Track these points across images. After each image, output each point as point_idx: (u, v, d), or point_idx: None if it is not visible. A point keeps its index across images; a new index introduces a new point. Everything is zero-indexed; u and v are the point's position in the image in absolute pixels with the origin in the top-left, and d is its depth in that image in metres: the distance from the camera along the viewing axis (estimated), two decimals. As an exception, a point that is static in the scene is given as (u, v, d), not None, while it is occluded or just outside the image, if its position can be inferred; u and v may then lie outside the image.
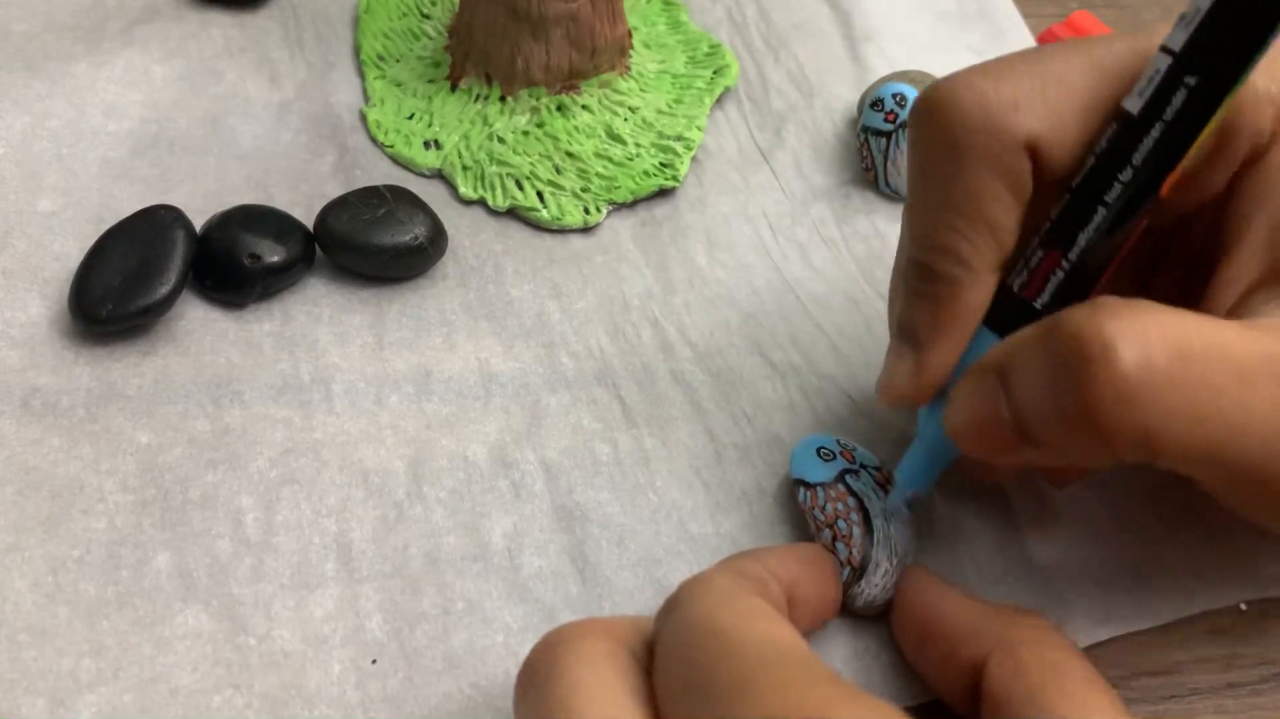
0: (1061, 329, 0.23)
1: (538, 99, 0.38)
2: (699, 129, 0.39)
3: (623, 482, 0.31)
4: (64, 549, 0.29)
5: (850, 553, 0.28)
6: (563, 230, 0.37)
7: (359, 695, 0.27)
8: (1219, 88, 0.24)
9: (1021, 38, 0.44)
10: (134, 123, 0.38)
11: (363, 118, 0.39)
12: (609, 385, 0.33)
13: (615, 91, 0.39)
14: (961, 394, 0.25)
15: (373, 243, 0.34)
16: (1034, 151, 0.25)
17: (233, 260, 0.33)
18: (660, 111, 0.39)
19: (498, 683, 0.28)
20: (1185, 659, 0.29)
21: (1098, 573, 0.30)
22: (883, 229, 0.38)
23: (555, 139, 0.38)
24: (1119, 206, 0.25)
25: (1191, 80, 0.24)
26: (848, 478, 0.30)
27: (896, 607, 0.28)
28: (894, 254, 0.31)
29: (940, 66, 0.41)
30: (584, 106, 0.38)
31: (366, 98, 0.40)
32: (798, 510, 0.31)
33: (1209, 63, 0.24)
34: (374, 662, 0.28)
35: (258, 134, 0.38)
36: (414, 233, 0.34)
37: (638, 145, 0.38)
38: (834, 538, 0.29)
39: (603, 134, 0.38)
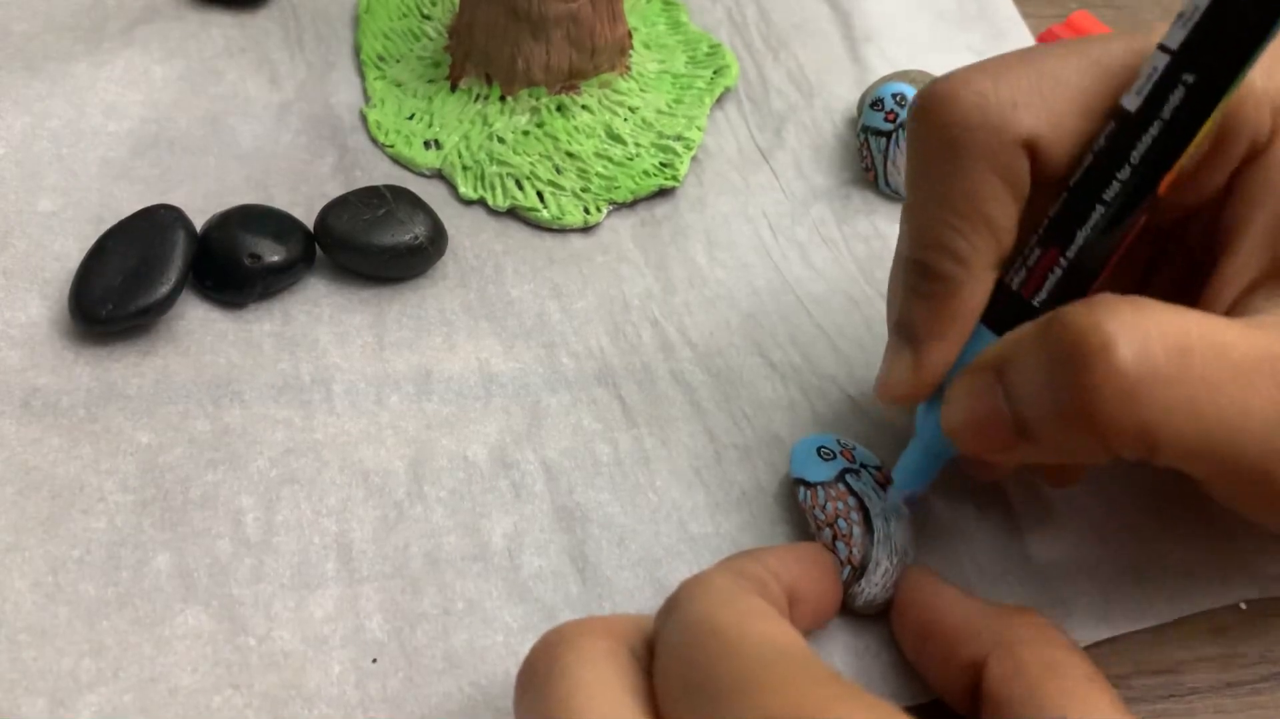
0: (1060, 325, 0.23)
1: (538, 99, 0.38)
2: (699, 129, 0.39)
3: (623, 482, 0.31)
4: (64, 549, 0.29)
5: (850, 552, 0.28)
6: (563, 230, 0.37)
7: (359, 695, 0.27)
8: (1217, 86, 0.24)
9: (1021, 38, 0.44)
10: (134, 123, 0.38)
11: (363, 118, 0.39)
12: (609, 385, 0.33)
13: (615, 91, 0.39)
14: (959, 392, 0.25)
15: (373, 243, 0.34)
16: (1032, 150, 0.25)
17: (233, 260, 0.33)
18: (660, 111, 0.39)
19: (498, 683, 0.28)
20: (1185, 659, 0.29)
21: (1098, 573, 0.30)
22: (883, 229, 0.38)
23: (555, 139, 0.38)
24: (1117, 204, 0.25)
25: (1189, 78, 0.24)
26: (848, 477, 0.30)
27: (896, 606, 0.28)
28: (894, 254, 0.31)
29: (940, 66, 0.40)
30: (584, 106, 0.38)
31: (366, 98, 0.40)
32: (798, 510, 0.31)
33: (1207, 61, 0.24)
34: (374, 662, 0.28)
35: (258, 134, 0.38)
36: (414, 233, 0.34)
37: (638, 145, 0.38)
38: (834, 537, 0.29)
39: (603, 134, 0.38)
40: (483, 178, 0.37)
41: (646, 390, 0.33)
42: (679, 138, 0.39)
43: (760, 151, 0.40)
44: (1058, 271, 0.25)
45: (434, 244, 0.35)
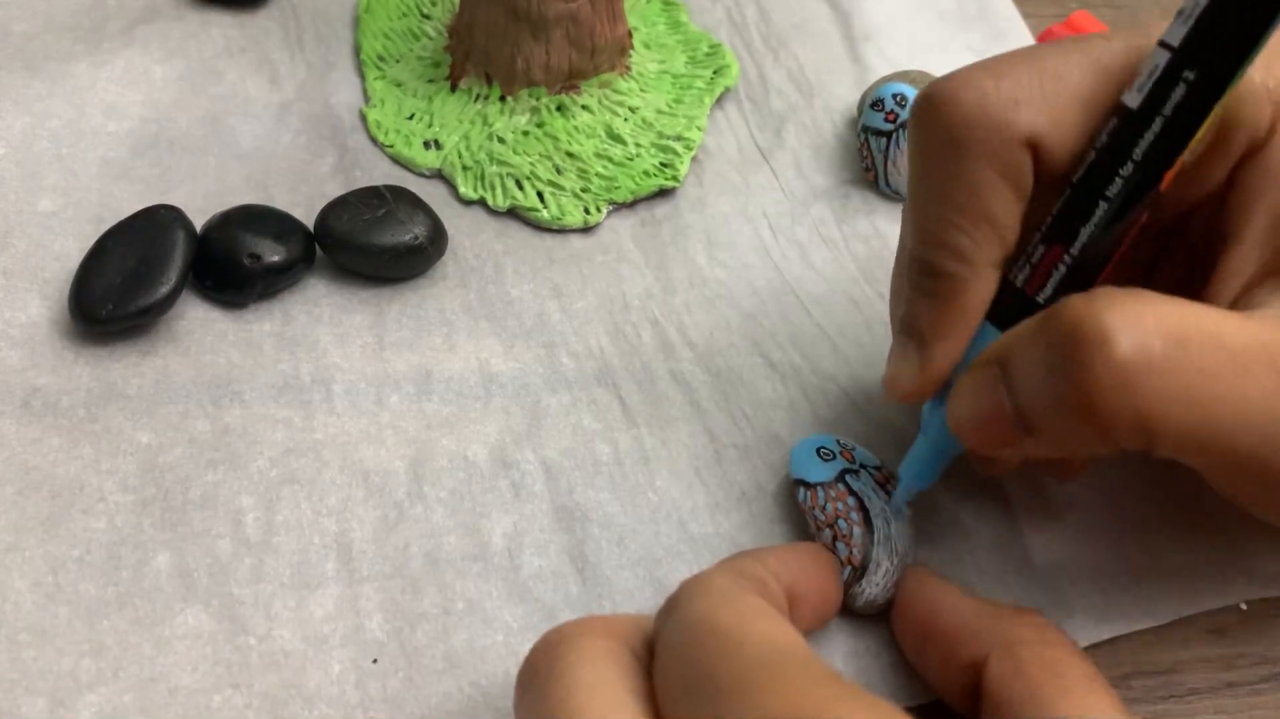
0: (1059, 318, 0.23)
1: (538, 99, 0.38)
2: (699, 129, 0.39)
3: (623, 482, 0.31)
4: (64, 549, 0.29)
5: (850, 552, 0.28)
6: (563, 230, 0.37)
7: (359, 695, 0.27)
8: (1218, 82, 0.24)
9: (1021, 38, 0.44)
10: (134, 123, 0.38)
11: (363, 118, 0.39)
12: (609, 385, 0.33)
13: (615, 91, 0.39)
14: (963, 388, 0.25)
15: (373, 243, 0.34)
16: (1034, 148, 0.25)
17: (233, 260, 0.33)
18: (660, 111, 0.39)
19: (498, 683, 0.28)
20: (1185, 659, 0.29)
21: (1098, 573, 0.30)
22: (883, 229, 0.38)
23: (555, 139, 0.38)
24: (1120, 201, 0.25)
25: (1190, 74, 0.24)
26: (848, 477, 0.30)
27: (897, 606, 0.28)
28: (894, 254, 0.31)
29: (940, 66, 0.40)
30: (584, 106, 0.38)
31: (366, 98, 0.40)
32: (798, 510, 0.31)
33: (1207, 57, 0.24)
34: (374, 661, 0.28)
35: (258, 134, 0.38)
36: (414, 233, 0.34)
37: (638, 145, 0.38)
38: (834, 537, 0.29)
39: (603, 134, 0.38)
40: (483, 178, 0.37)
41: (646, 390, 0.33)
42: (679, 138, 0.39)
43: (760, 151, 0.40)
44: (1062, 268, 0.26)
45: (434, 244, 0.35)
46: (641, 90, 0.39)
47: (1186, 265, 0.29)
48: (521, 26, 0.37)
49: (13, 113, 0.38)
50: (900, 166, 0.38)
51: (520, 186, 0.37)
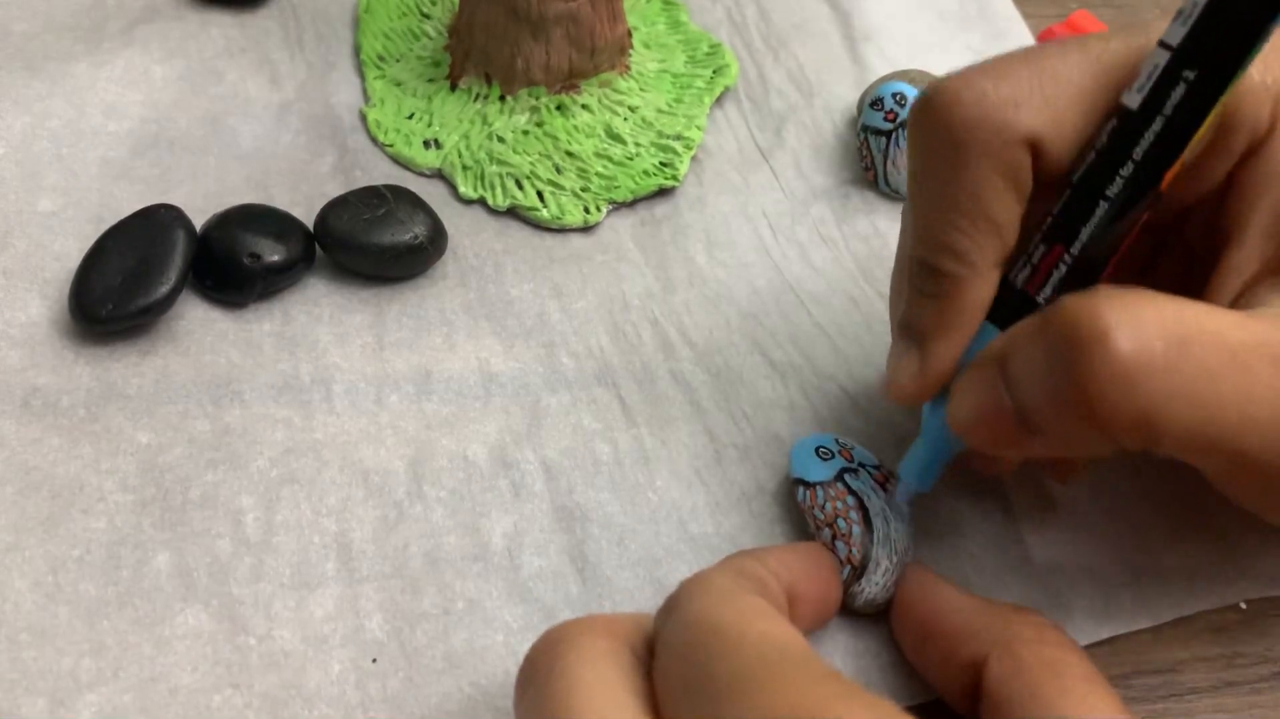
0: (1058, 317, 0.23)
1: (537, 99, 0.38)
2: (699, 128, 0.39)
3: (623, 481, 0.31)
4: (64, 549, 0.29)
5: (850, 552, 0.28)
6: (563, 230, 0.37)
7: (359, 695, 0.27)
8: (1218, 81, 0.24)
9: (1021, 38, 0.44)
10: (134, 123, 0.38)
11: (363, 118, 0.39)
12: (609, 385, 0.33)
13: (615, 91, 0.39)
14: (964, 387, 0.25)
15: (373, 242, 0.34)
16: (1034, 148, 0.25)
17: (233, 260, 0.33)
18: (660, 111, 0.39)
19: (498, 683, 0.28)
20: (1185, 659, 0.29)
21: (1098, 573, 0.30)
22: (883, 229, 0.38)
23: (555, 139, 0.38)
24: (1120, 201, 0.25)
25: (1190, 74, 0.24)
26: (847, 477, 0.30)
27: (896, 605, 0.28)
28: (894, 254, 0.31)
29: (940, 66, 0.41)
30: (584, 106, 0.38)
31: (366, 98, 0.40)
32: (798, 510, 0.31)
33: (1207, 57, 0.24)
34: (374, 661, 0.28)
35: (258, 134, 0.38)
36: (414, 232, 0.34)
37: (637, 145, 0.38)
38: (834, 537, 0.29)
39: (602, 133, 0.38)
40: (483, 177, 0.37)
41: (646, 390, 0.33)
42: (679, 137, 0.39)
43: (760, 151, 0.40)
44: (1062, 268, 0.26)
45: (434, 244, 0.35)
46: (641, 90, 0.39)
47: (1185, 263, 0.29)
48: (521, 26, 0.37)
49: (13, 113, 0.38)
50: (900, 166, 0.38)
51: (520, 186, 0.37)
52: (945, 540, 0.31)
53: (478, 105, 0.38)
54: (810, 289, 0.36)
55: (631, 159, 0.38)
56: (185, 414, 0.32)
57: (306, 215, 0.35)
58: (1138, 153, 0.25)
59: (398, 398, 0.33)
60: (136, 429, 0.31)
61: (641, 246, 0.37)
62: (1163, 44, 0.24)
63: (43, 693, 0.27)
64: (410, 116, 0.39)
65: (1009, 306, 0.26)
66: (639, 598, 0.29)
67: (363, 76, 0.40)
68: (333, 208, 0.35)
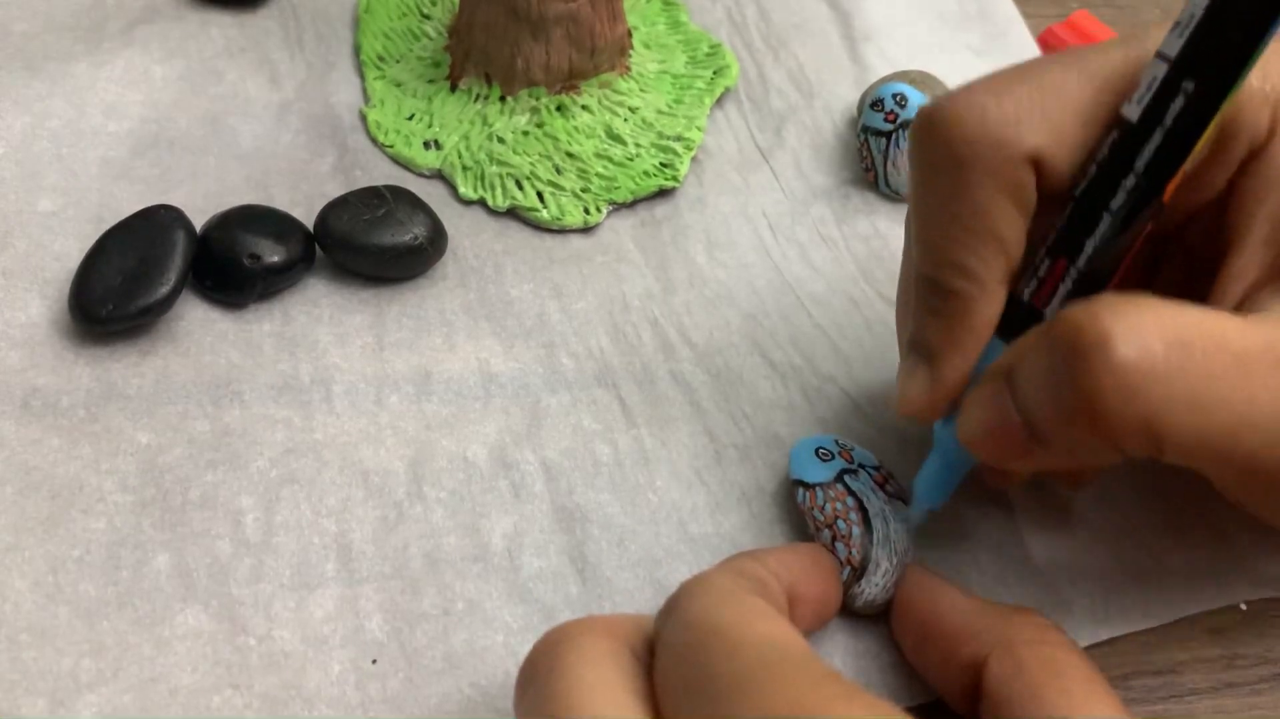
0: (1060, 326, 0.23)
1: (538, 99, 0.38)
2: (699, 129, 0.39)
3: (623, 482, 0.31)
4: (64, 549, 0.29)
5: (850, 553, 0.28)
6: (563, 230, 0.37)
7: (359, 695, 0.27)
8: (1217, 92, 0.24)
9: (1021, 38, 0.44)
10: (134, 123, 0.38)
11: (363, 118, 0.39)
12: (609, 386, 0.33)
13: (615, 91, 0.39)
14: (972, 402, 0.26)
15: (373, 243, 0.34)
16: (1037, 164, 0.25)
17: (233, 260, 0.33)
18: (660, 111, 0.39)
19: (498, 683, 0.28)
20: (1185, 659, 0.29)
21: (1098, 573, 0.30)
22: (883, 229, 0.38)
23: (555, 139, 0.38)
24: (1124, 213, 0.25)
25: (1189, 85, 0.24)
26: (846, 478, 0.30)
27: (896, 606, 0.28)
28: (894, 254, 0.31)
29: (940, 66, 0.41)
30: (584, 106, 0.38)
31: (366, 98, 0.40)
32: (798, 510, 0.31)
33: (1205, 67, 0.24)
34: (374, 662, 0.28)
35: (258, 134, 0.38)
36: (414, 233, 0.34)
37: (638, 145, 0.38)
38: (833, 538, 0.29)
39: (603, 134, 0.38)
40: (483, 178, 0.37)
41: (646, 391, 0.33)
42: (679, 138, 0.39)
43: (760, 151, 0.40)
44: (1068, 281, 0.26)
45: (434, 244, 0.35)
46: (641, 90, 0.39)
47: (1187, 270, 0.29)
48: (521, 26, 0.37)
49: (13, 113, 0.38)
50: (900, 166, 0.38)
51: (520, 186, 0.37)
52: (945, 541, 0.31)
53: (478, 106, 0.38)
54: (810, 290, 0.36)
55: (632, 160, 0.38)
56: (185, 414, 0.32)
57: (306, 216, 0.35)
58: (1139, 164, 0.25)
59: (398, 398, 0.33)
60: (136, 429, 0.31)
61: (641, 247, 0.37)
62: (1160, 55, 0.24)
63: (43, 693, 0.27)
64: (410, 117, 0.39)
65: (1017, 321, 0.26)
66: (639, 599, 0.29)
67: (363, 77, 0.40)
68: (333, 208, 0.35)
